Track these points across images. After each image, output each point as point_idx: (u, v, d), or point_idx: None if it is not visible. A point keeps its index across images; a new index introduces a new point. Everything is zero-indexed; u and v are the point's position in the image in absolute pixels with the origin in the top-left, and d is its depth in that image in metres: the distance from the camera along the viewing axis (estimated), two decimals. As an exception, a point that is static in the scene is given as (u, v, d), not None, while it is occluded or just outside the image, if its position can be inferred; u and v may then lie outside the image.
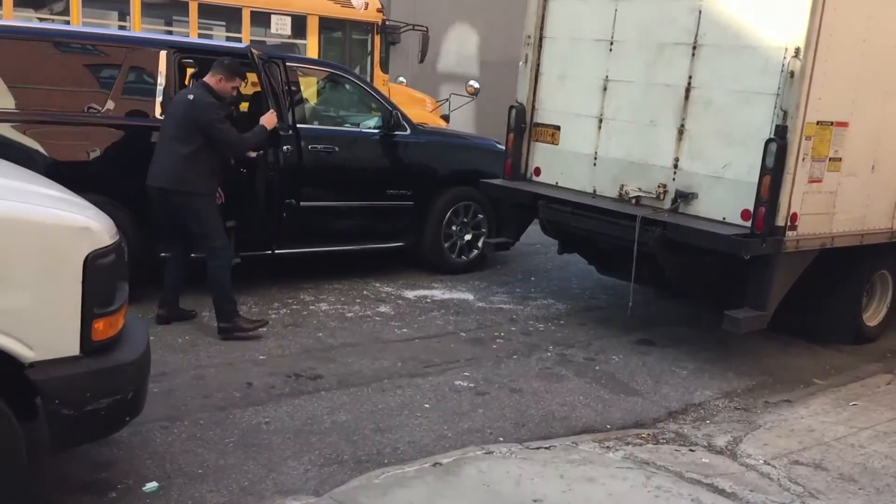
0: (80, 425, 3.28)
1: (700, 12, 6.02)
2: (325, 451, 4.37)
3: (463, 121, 14.93)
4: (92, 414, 3.29)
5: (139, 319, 3.83)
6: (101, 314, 3.29)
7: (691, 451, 4.70)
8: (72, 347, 3.23)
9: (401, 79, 15.04)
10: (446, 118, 13.89)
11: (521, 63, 7.21)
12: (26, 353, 3.10)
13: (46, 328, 3.16)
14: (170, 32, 11.53)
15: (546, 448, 4.51)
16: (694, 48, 6.08)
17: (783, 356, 6.60)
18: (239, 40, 11.24)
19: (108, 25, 10.63)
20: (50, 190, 3.66)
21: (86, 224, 3.26)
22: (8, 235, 3.06)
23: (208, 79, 5.80)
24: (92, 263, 3.22)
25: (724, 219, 5.94)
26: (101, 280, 3.28)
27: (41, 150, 6.06)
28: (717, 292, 6.31)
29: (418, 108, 13.40)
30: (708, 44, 6.00)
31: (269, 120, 6.06)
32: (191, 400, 4.85)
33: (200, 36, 11.01)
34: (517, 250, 9.31)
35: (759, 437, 4.96)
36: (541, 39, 7.09)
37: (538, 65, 7.13)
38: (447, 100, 13.63)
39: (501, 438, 4.71)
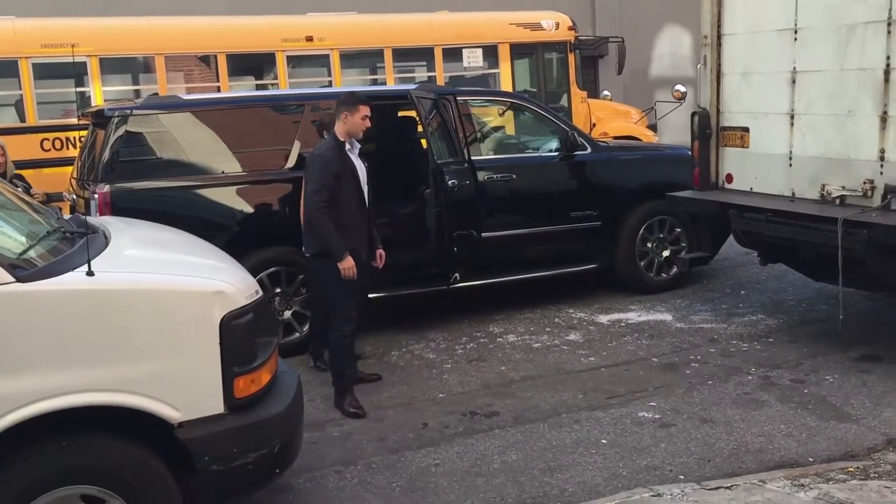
0: (229, 480, 3.44)
1: (892, -17, 5.32)
2: (489, 494, 4.27)
3: (679, 128, 14.21)
4: (240, 468, 3.44)
5: (291, 371, 3.95)
6: (241, 372, 3.43)
7: (908, 487, 4.08)
8: (216, 406, 3.39)
9: (605, 93, 14.70)
10: (653, 128, 13.36)
11: (699, 66, 6.76)
12: (173, 415, 3.30)
13: (190, 389, 3.34)
14: (374, 81, 12.10)
15: (727, 487, 4.10)
16: (889, 25, 5.36)
17: None
18: (434, 79, 11.55)
19: (315, 84, 11.30)
20: (194, 257, 3.90)
21: (219, 288, 3.41)
22: (145, 305, 3.28)
23: (336, 127, 5.45)
24: (227, 325, 3.36)
25: (945, 213, 5.18)
26: (238, 340, 3.41)
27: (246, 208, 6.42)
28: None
29: (622, 121, 13.03)
30: (905, 17, 5.29)
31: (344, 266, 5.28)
32: (367, 443, 4.94)
33: (399, 79, 11.44)
34: (730, 261, 8.71)
35: None
36: (719, 38, 6.60)
37: (719, 65, 6.64)
38: (653, 108, 13.10)
39: (682, 477, 4.35)
